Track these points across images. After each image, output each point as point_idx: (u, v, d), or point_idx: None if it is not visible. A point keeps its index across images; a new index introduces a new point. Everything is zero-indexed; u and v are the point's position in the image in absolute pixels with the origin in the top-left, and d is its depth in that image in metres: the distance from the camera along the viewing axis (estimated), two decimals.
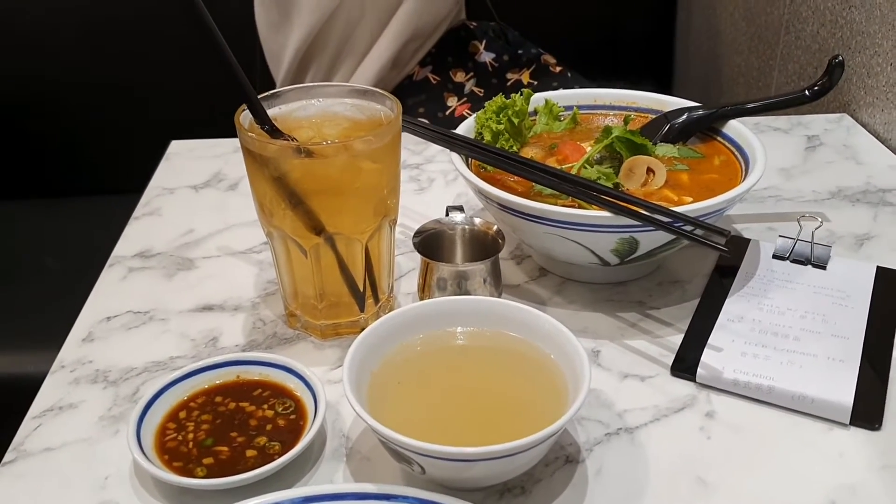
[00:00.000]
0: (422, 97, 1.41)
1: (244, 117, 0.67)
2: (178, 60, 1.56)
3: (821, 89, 0.80)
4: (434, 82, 1.42)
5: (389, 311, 0.74)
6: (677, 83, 1.74)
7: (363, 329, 0.71)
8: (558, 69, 1.44)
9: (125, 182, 1.61)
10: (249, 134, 0.65)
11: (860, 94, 1.07)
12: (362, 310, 0.72)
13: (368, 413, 0.53)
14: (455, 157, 0.77)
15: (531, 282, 0.78)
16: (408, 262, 0.81)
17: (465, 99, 1.41)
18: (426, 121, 0.80)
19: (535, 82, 1.42)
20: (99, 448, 0.62)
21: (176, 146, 1.05)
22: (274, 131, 0.67)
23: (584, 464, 0.59)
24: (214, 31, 0.63)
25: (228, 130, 0.95)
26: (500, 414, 0.58)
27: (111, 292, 0.79)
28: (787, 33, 1.25)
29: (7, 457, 0.61)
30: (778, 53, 1.29)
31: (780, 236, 0.79)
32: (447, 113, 1.40)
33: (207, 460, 0.58)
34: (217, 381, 0.64)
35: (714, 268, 0.79)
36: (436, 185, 0.97)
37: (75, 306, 0.80)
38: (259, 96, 0.67)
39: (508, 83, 1.42)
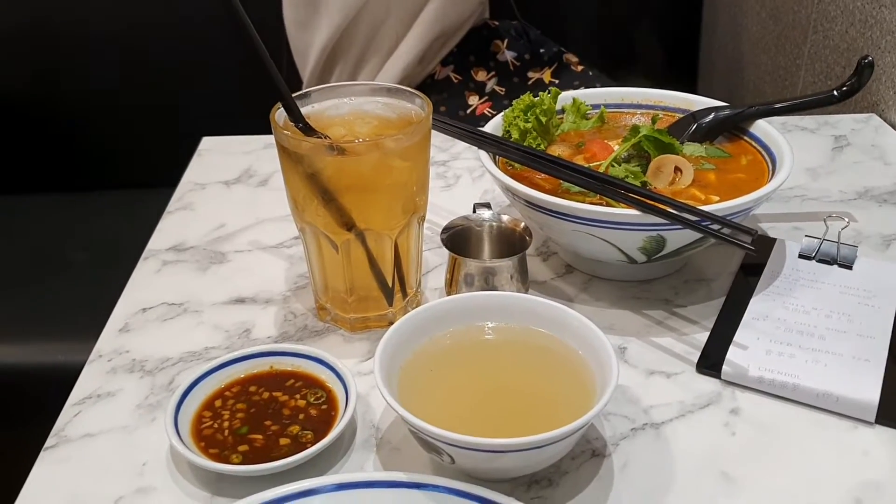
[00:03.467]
0: (443, 95, 1.42)
1: (279, 115, 0.68)
2: (211, 56, 1.58)
3: (849, 90, 0.80)
4: (455, 81, 1.43)
5: (417, 306, 0.76)
6: (702, 81, 1.74)
7: (391, 323, 0.73)
8: (580, 68, 1.45)
9: (152, 177, 1.64)
10: (284, 132, 0.66)
11: (889, 95, 1.07)
12: (390, 304, 0.73)
13: (399, 403, 0.54)
14: (483, 154, 0.78)
15: (558, 278, 0.79)
16: (435, 258, 0.82)
17: (486, 97, 1.42)
18: (454, 120, 0.81)
19: (557, 81, 1.42)
20: (137, 435, 0.63)
21: (207, 142, 1.07)
22: (307, 129, 0.68)
23: (610, 458, 0.60)
24: (251, 31, 0.64)
25: (259, 127, 0.97)
26: (529, 407, 0.59)
27: (146, 284, 0.81)
28: (815, 32, 1.25)
29: (49, 442, 0.63)
30: (805, 52, 1.29)
31: (806, 236, 0.80)
32: (468, 111, 1.41)
33: (242, 447, 0.59)
34: (251, 372, 0.66)
35: (740, 266, 0.80)
36: (462, 181, 0.98)
37: (104, 298, 0.81)
38: (293, 95, 0.68)
39: (530, 82, 1.42)
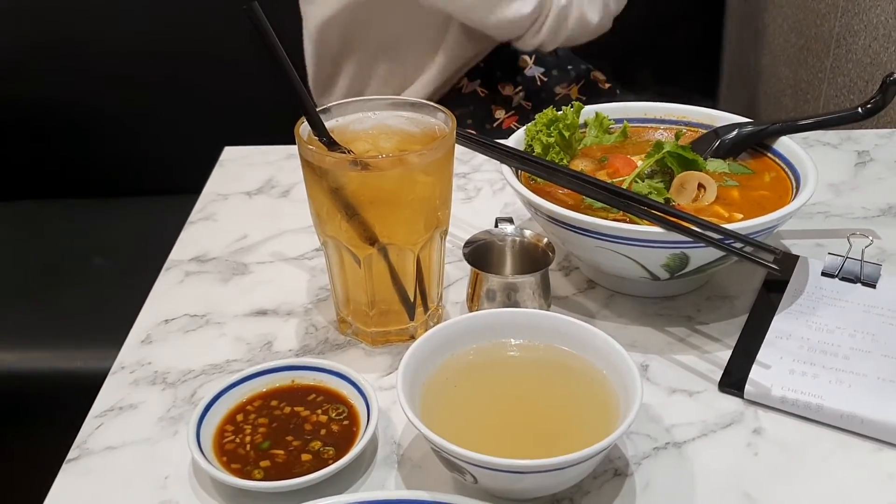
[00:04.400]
0: (469, 108, 1.41)
1: (303, 129, 0.68)
2: (235, 65, 1.59)
3: (874, 107, 0.80)
4: (482, 95, 1.42)
5: (438, 320, 0.76)
6: (723, 93, 1.73)
7: (412, 337, 0.73)
8: (607, 86, 1.44)
9: (172, 184, 1.65)
10: (309, 147, 0.66)
11: None
12: (412, 318, 0.74)
13: (422, 422, 0.54)
14: (505, 169, 0.78)
15: (579, 294, 0.79)
16: (456, 272, 0.82)
17: (513, 111, 1.42)
18: (476, 133, 0.81)
19: (584, 98, 1.42)
20: (159, 448, 0.64)
21: (229, 152, 1.07)
22: (331, 143, 0.68)
23: (632, 477, 0.60)
24: (277, 46, 0.65)
25: (281, 137, 0.98)
26: (552, 426, 0.58)
27: (169, 295, 0.81)
28: (838, 46, 1.25)
29: (71, 454, 0.64)
30: (828, 66, 1.28)
31: (829, 254, 0.79)
32: (495, 125, 1.41)
33: (264, 463, 0.59)
34: (273, 386, 0.66)
35: (762, 283, 0.79)
36: (483, 194, 0.98)
37: (123, 306, 0.82)
38: (317, 109, 0.69)
39: (557, 97, 1.42)
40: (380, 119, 0.73)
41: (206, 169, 1.05)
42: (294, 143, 0.68)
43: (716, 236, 0.67)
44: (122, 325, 0.81)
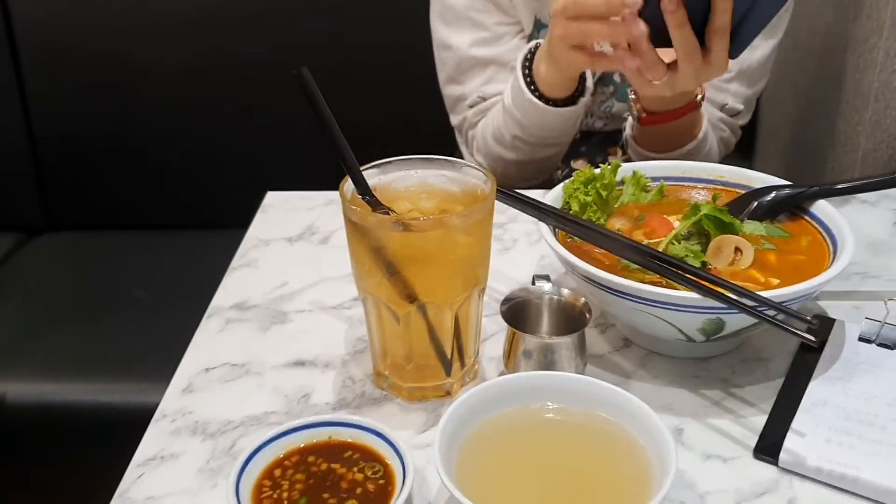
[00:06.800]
0: None
1: (347, 188, 0.70)
2: (277, 106, 1.62)
3: None
4: None
5: (474, 376, 0.77)
6: (761, 143, 1.73)
7: (448, 393, 0.74)
8: None
9: (210, 219, 1.69)
10: (352, 206, 0.68)
11: None
12: (448, 374, 0.74)
13: (458, 488, 0.55)
14: (543, 227, 0.79)
15: (615, 352, 0.80)
16: (492, 325, 0.83)
17: None
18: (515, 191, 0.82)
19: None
20: (199, 500, 0.65)
21: (271, 198, 1.09)
22: (374, 202, 0.70)
23: None
24: (324, 108, 0.67)
25: (321, 175, 0.99)
26: (587, 494, 0.59)
27: (210, 343, 0.82)
28: (877, 101, 1.24)
29: (113, 503, 0.65)
30: (866, 120, 1.28)
31: (866, 318, 0.79)
32: None
33: None
34: (310, 441, 0.67)
35: (798, 347, 0.79)
36: (519, 245, 0.99)
37: (162, 340, 0.83)
38: (361, 168, 0.70)
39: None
40: (421, 177, 0.75)
41: (244, 206, 1.08)
42: (334, 189, 0.70)
43: (751, 303, 0.67)
44: (160, 360, 0.83)
